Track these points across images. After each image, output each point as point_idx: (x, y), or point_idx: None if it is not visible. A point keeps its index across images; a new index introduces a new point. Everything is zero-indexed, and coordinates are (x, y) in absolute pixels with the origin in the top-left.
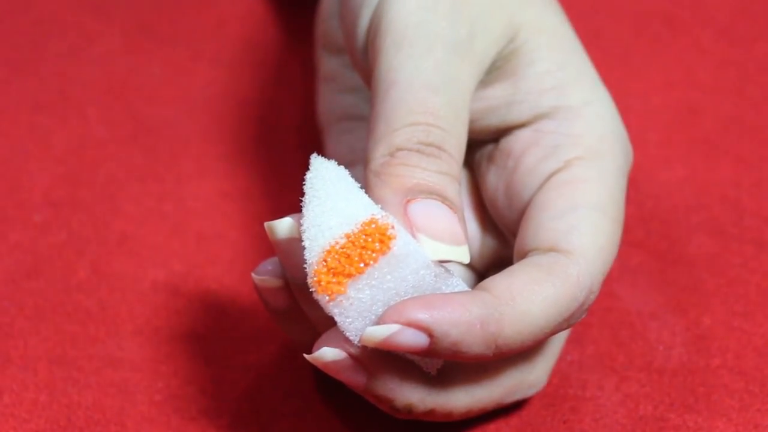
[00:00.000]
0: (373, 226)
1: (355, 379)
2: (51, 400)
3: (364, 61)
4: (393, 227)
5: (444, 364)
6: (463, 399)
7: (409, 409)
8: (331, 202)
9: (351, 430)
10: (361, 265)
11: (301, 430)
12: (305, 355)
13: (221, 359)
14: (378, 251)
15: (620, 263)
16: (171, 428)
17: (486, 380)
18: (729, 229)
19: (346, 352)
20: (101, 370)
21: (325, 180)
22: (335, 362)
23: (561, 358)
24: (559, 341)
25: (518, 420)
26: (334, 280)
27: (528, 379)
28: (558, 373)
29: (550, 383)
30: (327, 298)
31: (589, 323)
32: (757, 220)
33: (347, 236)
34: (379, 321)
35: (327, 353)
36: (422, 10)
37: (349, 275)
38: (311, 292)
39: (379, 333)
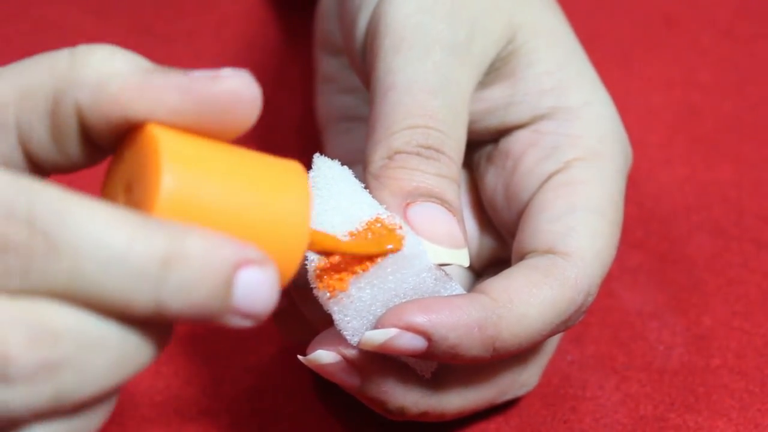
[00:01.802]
0: (379, 225)
1: (348, 381)
2: None
3: (362, 63)
4: (401, 227)
5: (437, 366)
6: (456, 401)
7: (401, 412)
8: (334, 201)
9: (350, 430)
10: (367, 263)
11: (301, 430)
12: (300, 357)
13: (221, 359)
14: (389, 250)
15: (620, 263)
16: (171, 428)
17: (479, 382)
18: (729, 229)
19: (340, 354)
20: None
21: (329, 179)
22: (329, 365)
23: (561, 358)
24: (552, 341)
25: (518, 420)
26: (336, 276)
27: (520, 379)
28: (558, 373)
29: (550, 383)
30: (328, 294)
31: (589, 323)
32: (757, 220)
33: (351, 234)
34: (378, 325)
35: (321, 356)
36: (420, 12)
37: (353, 272)
38: (312, 288)
39: (377, 337)
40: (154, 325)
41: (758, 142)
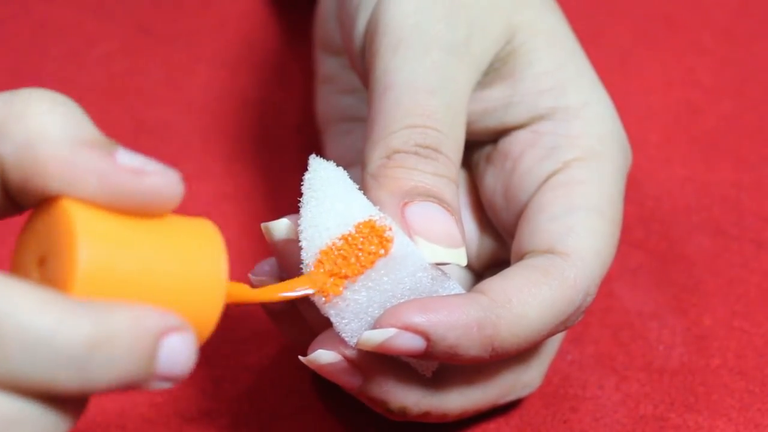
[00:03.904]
0: (371, 227)
1: (349, 381)
2: None
3: (361, 63)
4: (391, 229)
5: (439, 366)
6: (457, 401)
7: (403, 412)
8: (329, 203)
9: (350, 430)
10: (359, 266)
11: (301, 430)
12: (300, 358)
13: (221, 359)
14: (376, 253)
15: (620, 263)
16: (171, 429)
17: (481, 382)
18: (729, 229)
19: (341, 354)
20: None
21: (324, 181)
22: (330, 365)
23: (561, 358)
24: (554, 342)
25: (518, 420)
26: (330, 281)
27: (522, 379)
28: (558, 373)
29: (550, 383)
30: (323, 299)
31: (589, 323)
32: (757, 220)
33: (344, 237)
34: (376, 325)
35: (322, 356)
36: (419, 13)
37: (346, 276)
38: None
39: (375, 337)
40: (74, 400)
41: (758, 142)
